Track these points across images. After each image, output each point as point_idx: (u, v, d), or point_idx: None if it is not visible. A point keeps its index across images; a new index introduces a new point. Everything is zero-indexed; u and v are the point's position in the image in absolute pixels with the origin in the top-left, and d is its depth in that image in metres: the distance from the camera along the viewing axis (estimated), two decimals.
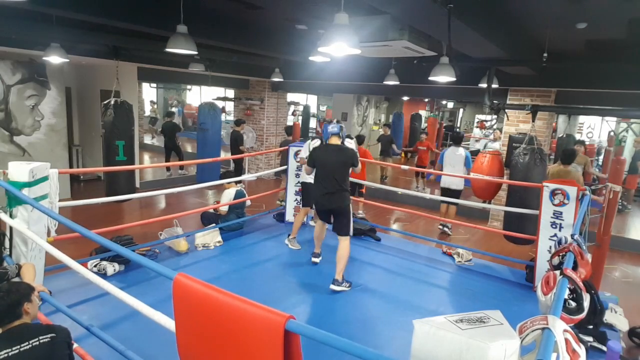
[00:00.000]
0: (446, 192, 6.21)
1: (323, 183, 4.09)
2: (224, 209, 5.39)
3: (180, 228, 4.97)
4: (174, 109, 16.90)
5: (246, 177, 7.33)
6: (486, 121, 16.08)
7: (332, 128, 4.17)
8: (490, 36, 3.82)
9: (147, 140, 14.57)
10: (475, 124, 16.24)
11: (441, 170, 6.42)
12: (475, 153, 8.57)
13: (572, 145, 7.38)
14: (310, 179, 4.97)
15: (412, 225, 7.07)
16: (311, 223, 5.83)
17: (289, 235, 5.17)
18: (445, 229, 6.41)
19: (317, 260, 4.64)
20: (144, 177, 8.89)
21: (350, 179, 6.63)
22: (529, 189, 4.58)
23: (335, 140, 4.17)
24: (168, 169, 9.30)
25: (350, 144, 5.15)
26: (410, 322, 1.61)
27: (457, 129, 14.06)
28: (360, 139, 7.27)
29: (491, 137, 10.85)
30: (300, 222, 5.16)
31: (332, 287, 4.01)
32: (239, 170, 8.48)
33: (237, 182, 5.72)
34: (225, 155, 9.71)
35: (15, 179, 3.01)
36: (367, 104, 13.49)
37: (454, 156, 6.19)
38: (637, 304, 4.53)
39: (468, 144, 13.13)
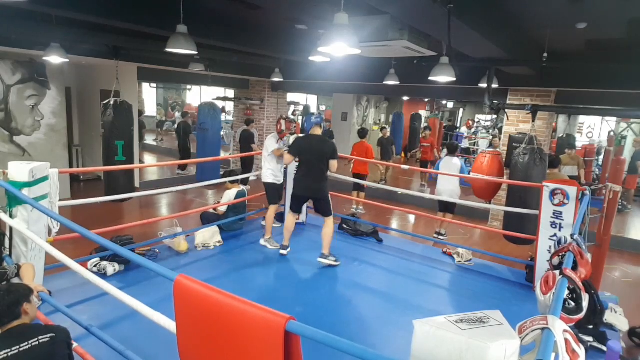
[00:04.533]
0: (443, 205, 6.18)
1: (308, 172, 4.39)
2: (222, 208, 5.39)
3: (180, 228, 4.97)
4: (177, 113, 17.09)
5: (244, 176, 7.32)
6: (472, 120, 16.18)
7: (316, 118, 4.54)
8: (490, 36, 3.82)
9: (149, 140, 14.60)
10: (476, 122, 16.23)
11: (436, 180, 6.38)
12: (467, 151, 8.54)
13: (571, 145, 7.40)
14: (272, 179, 5.02)
15: (412, 225, 7.07)
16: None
17: (263, 235, 5.12)
18: (440, 236, 6.31)
19: (285, 252, 4.74)
20: (144, 177, 8.90)
21: (352, 179, 6.62)
22: (528, 189, 4.57)
23: (317, 131, 4.51)
24: (179, 167, 9.39)
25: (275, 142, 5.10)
26: (410, 322, 1.61)
27: (454, 139, 13.98)
28: (363, 133, 7.23)
29: (489, 138, 10.89)
30: (272, 219, 5.15)
31: (319, 260, 4.43)
32: (249, 169, 8.51)
33: (241, 182, 5.67)
34: (225, 155, 9.73)
35: (15, 179, 3.00)
36: (367, 104, 13.50)
37: (449, 166, 6.14)
38: (637, 304, 4.53)
39: (474, 146, 13.12)
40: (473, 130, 15.29)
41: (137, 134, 7.53)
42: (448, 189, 5.94)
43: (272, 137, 5.14)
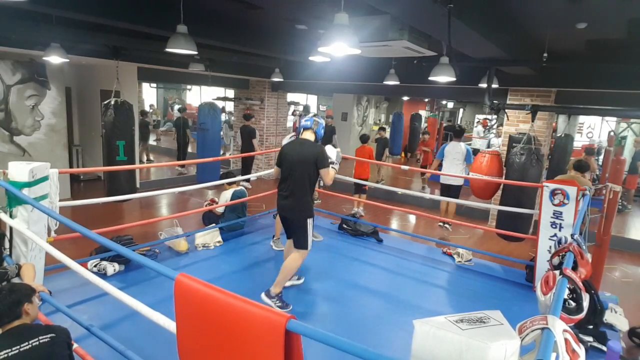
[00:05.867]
0: (446, 189, 6.20)
1: (285, 185, 3.53)
2: (219, 209, 5.40)
3: (180, 228, 4.97)
4: (177, 107, 17.09)
5: (245, 177, 7.32)
6: (488, 119, 16.15)
7: (305, 121, 3.64)
8: (490, 36, 3.82)
9: (150, 140, 14.57)
10: (476, 123, 16.21)
11: (440, 165, 6.41)
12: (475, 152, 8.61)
13: (570, 145, 7.39)
14: None
15: (412, 225, 7.07)
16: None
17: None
18: (446, 226, 6.41)
19: (291, 282, 4.04)
20: (144, 176, 8.90)
21: (352, 179, 6.57)
22: (523, 188, 4.59)
23: (307, 136, 3.61)
24: (181, 166, 9.42)
25: (332, 151, 3.88)
26: (410, 322, 1.61)
27: (459, 125, 14.12)
28: (364, 139, 7.29)
29: (493, 135, 10.92)
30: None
31: (262, 296, 3.57)
32: (248, 168, 8.49)
33: (242, 181, 5.65)
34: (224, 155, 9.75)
35: (15, 179, 3.00)
36: (367, 104, 13.50)
37: (454, 151, 6.16)
38: (637, 304, 4.53)
39: (470, 143, 13.14)
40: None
41: (138, 134, 7.53)
42: (453, 174, 6.00)
43: (288, 136, 5.10)
